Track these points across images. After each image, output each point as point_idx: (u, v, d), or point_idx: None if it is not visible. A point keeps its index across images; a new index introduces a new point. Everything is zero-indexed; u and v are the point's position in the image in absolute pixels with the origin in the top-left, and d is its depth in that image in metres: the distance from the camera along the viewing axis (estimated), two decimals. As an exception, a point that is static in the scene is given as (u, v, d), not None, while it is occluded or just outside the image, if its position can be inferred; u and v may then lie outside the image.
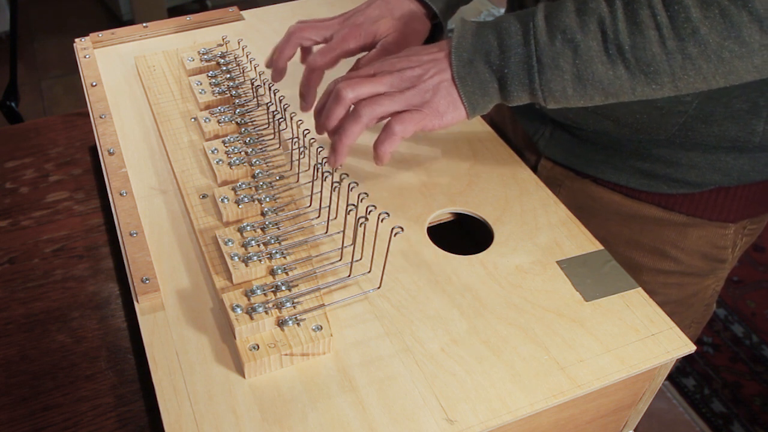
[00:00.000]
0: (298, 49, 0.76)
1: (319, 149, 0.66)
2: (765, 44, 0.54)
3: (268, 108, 0.75)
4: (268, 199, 0.67)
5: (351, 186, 0.63)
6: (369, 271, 0.63)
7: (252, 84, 0.78)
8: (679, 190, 0.76)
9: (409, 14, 0.74)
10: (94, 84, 0.84)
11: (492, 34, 0.60)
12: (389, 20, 0.73)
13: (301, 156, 0.71)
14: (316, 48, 0.77)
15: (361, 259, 0.64)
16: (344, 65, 0.74)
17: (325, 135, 0.66)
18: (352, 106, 0.62)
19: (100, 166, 0.76)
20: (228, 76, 0.82)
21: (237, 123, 0.76)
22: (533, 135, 0.85)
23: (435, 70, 0.61)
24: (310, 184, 0.69)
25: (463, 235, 0.75)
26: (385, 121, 0.63)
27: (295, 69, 0.75)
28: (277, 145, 0.74)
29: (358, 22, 0.73)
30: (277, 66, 0.75)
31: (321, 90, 0.82)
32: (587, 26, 0.57)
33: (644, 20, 0.56)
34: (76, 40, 0.92)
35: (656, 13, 0.55)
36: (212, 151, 0.72)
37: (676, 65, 0.56)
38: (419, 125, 0.61)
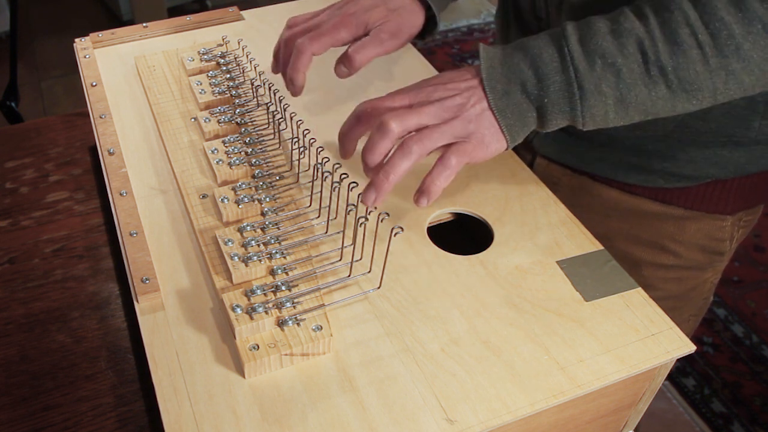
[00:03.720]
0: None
1: (319, 149, 0.66)
2: None
3: (268, 108, 0.75)
4: (268, 199, 0.67)
5: (351, 186, 0.63)
6: (369, 271, 0.63)
7: (252, 84, 0.78)
8: (676, 184, 0.76)
9: (403, 5, 0.72)
10: (94, 84, 0.84)
11: (524, 62, 0.58)
12: (382, 10, 0.71)
13: (301, 156, 0.71)
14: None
15: (361, 259, 0.64)
16: (333, 53, 0.73)
17: (326, 135, 0.66)
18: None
19: (100, 166, 0.76)
20: (228, 76, 0.82)
21: (237, 123, 0.76)
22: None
23: (475, 99, 0.59)
24: (310, 184, 0.69)
25: (463, 235, 0.75)
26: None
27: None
28: (277, 145, 0.74)
29: (351, 11, 0.71)
30: (298, 83, 0.71)
31: (309, 88, 0.82)
32: (626, 49, 0.56)
33: (685, 40, 0.55)
34: (76, 40, 0.92)
35: (696, 31, 0.55)
36: (212, 151, 0.72)
37: (719, 81, 0.56)
38: (469, 157, 0.58)
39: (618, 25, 0.57)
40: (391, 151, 0.59)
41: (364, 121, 0.61)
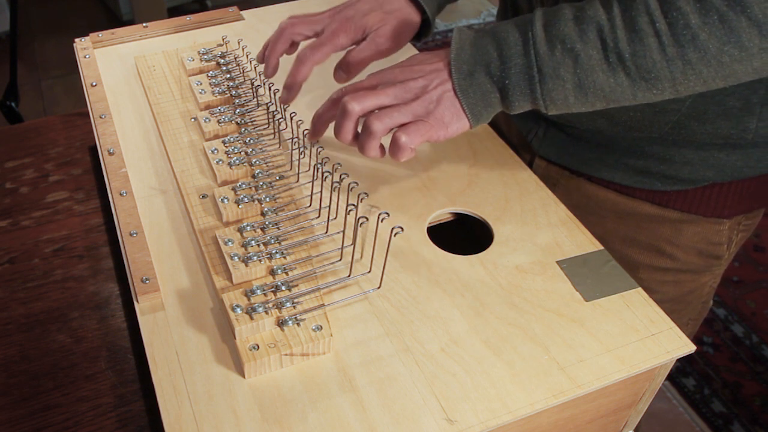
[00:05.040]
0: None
1: (319, 149, 0.67)
2: (764, 48, 0.54)
3: (268, 108, 0.75)
4: (268, 199, 0.67)
5: (351, 186, 0.63)
6: (369, 271, 0.63)
7: (252, 84, 0.78)
8: (673, 187, 0.76)
9: (399, 8, 0.74)
10: (94, 84, 0.84)
11: (491, 45, 0.60)
12: (379, 13, 0.73)
13: (301, 156, 0.71)
14: (305, 43, 0.77)
15: (361, 259, 0.64)
16: (334, 58, 0.74)
17: (326, 135, 0.66)
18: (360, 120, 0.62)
19: (100, 166, 0.76)
20: (228, 76, 0.82)
21: (237, 123, 0.76)
22: (527, 134, 0.85)
23: (438, 81, 0.61)
24: (310, 184, 0.69)
25: (463, 235, 0.75)
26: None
27: (290, 65, 0.75)
28: (277, 145, 0.74)
29: (348, 16, 0.72)
30: (269, 62, 0.75)
31: (309, 88, 0.82)
32: (586, 35, 0.57)
33: (643, 28, 0.56)
34: (76, 40, 0.92)
35: (655, 20, 0.55)
36: (212, 151, 0.72)
37: (677, 71, 0.56)
38: (425, 136, 0.61)
39: (582, 12, 0.58)
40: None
41: (336, 104, 0.65)
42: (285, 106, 0.73)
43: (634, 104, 0.60)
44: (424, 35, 0.78)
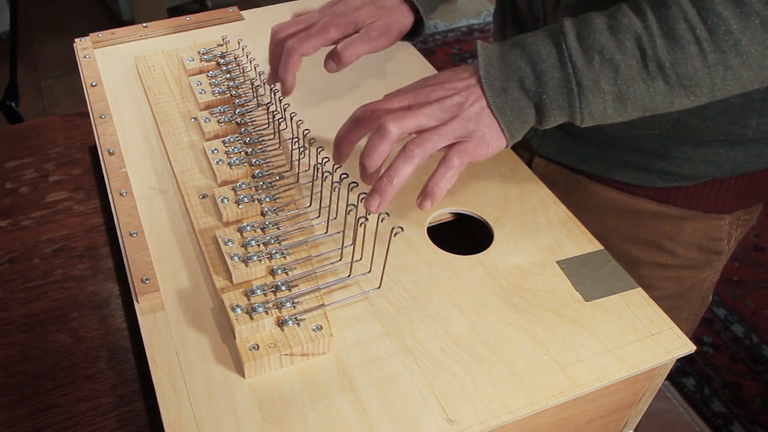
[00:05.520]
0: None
1: (319, 149, 0.66)
2: None
3: (268, 108, 0.75)
4: (268, 199, 0.67)
5: (351, 186, 0.63)
6: (369, 271, 0.63)
7: (252, 84, 0.78)
8: (674, 183, 0.76)
9: (392, 5, 0.73)
10: (94, 84, 0.84)
11: (521, 58, 0.58)
12: (371, 8, 0.71)
13: (301, 156, 0.71)
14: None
15: (361, 259, 0.64)
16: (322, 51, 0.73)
17: (326, 135, 0.66)
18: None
19: (100, 166, 0.76)
20: (228, 76, 0.82)
21: (237, 123, 0.76)
22: (526, 133, 0.85)
23: (474, 98, 0.58)
24: (310, 184, 0.69)
25: (463, 235, 0.75)
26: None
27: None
28: (277, 145, 0.74)
29: (340, 11, 0.71)
30: (288, 84, 0.72)
31: (309, 88, 0.82)
32: (624, 44, 0.56)
33: (683, 35, 0.55)
34: (76, 40, 0.92)
35: (694, 27, 0.54)
36: (212, 151, 0.72)
37: (717, 77, 0.56)
38: (471, 156, 0.58)
39: (616, 21, 0.57)
40: (391, 156, 0.59)
41: (363, 124, 0.61)
42: (285, 106, 0.73)
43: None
44: (417, 35, 0.77)
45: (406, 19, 0.74)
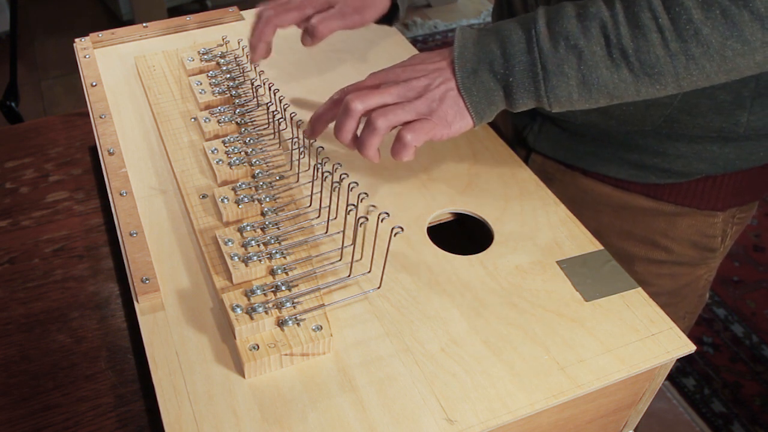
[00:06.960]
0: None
1: (319, 149, 0.67)
2: (766, 41, 0.55)
3: (268, 108, 0.75)
4: (268, 199, 0.67)
5: (351, 186, 0.63)
6: (369, 271, 0.63)
7: (252, 84, 0.78)
8: (667, 180, 0.77)
9: None
10: (94, 84, 0.84)
11: (494, 43, 0.60)
12: None
13: (301, 156, 0.71)
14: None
15: (361, 259, 0.64)
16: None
17: (326, 134, 0.66)
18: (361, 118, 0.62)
19: (100, 166, 0.76)
20: (228, 76, 0.82)
21: (237, 123, 0.76)
22: (522, 129, 0.85)
23: (441, 80, 0.61)
24: (310, 184, 0.69)
25: (463, 235, 0.75)
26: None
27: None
28: (277, 145, 0.74)
29: None
30: (258, 51, 0.76)
31: (309, 88, 0.82)
32: (589, 31, 0.58)
33: (646, 23, 0.56)
34: (76, 40, 0.92)
35: (657, 15, 0.56)
36: (212, 151, 0.72)
37: (680, 66, 0.57)
38: (429, 134, 0.61)
39: (585, 9, 0.59)
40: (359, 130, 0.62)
41: (338, 104, 0.65)
42: (285, 106, 0.73)
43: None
44: (393, 20, 0.80)
45: (382, 2, 0.76)
